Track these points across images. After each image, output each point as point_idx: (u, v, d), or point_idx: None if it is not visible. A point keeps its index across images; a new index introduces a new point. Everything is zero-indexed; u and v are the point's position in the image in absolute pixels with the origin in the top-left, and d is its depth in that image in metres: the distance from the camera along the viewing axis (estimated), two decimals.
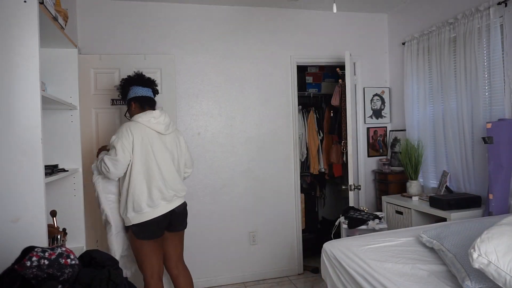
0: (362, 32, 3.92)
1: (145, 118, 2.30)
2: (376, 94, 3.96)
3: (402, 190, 3.46)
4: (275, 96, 3.68)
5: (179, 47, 3.42)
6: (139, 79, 2.43)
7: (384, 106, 3.99)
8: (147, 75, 3.17)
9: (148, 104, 2.41)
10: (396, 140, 3.86)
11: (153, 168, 2.29)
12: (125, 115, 2.50)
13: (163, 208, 2.33)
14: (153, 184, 2.28)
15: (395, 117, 3.96)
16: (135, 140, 2.25)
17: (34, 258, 1.00)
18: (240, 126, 3.59)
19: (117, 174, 2.27)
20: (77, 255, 2.13)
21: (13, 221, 1.48)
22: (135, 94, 2.39)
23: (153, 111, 2.35)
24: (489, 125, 2.53)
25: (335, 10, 2.54)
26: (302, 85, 4.46)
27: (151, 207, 2.28)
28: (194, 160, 2.91)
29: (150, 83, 2.46)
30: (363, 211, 3.09)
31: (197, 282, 3.28)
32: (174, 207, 2.38)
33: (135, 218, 2.29)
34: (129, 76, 2.47)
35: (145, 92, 2.40)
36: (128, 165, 2.26)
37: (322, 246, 2.18)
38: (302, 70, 4.45)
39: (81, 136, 2.37)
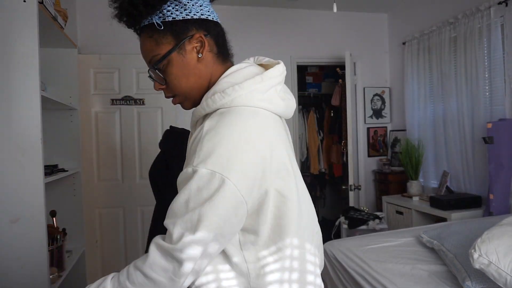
0: (362, 32, 3.91)
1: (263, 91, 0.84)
2: (376, 94, 3.96)
3: (402, 190, 3.45)
4: None
5: None
6: None
7: (384, 106, 3.99)
8: (147, 75, 3.18)
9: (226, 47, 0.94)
10: (396, 140, 3.85)
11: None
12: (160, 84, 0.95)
13: None
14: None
15: (395, 117, 3.96)
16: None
17: None
18: None
19: None
20: (77, 255, 2.13)
21: (13, 221, 1.48)
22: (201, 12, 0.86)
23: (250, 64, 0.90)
24: (489, 125, 2.53)
25: (335, 10, 2.54)
26: (302, 85, 4.46)
27: None
28: None
29: None
30: (363, 211, 3.09)
31: None
32: None
33: None
34: None
35: (213, 12, 0.91)
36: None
37: None
38: (302, 70, 4.45)
39: (81, 136, 2.37)
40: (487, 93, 2.74)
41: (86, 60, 2.99)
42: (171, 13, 0.81)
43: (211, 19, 0.86)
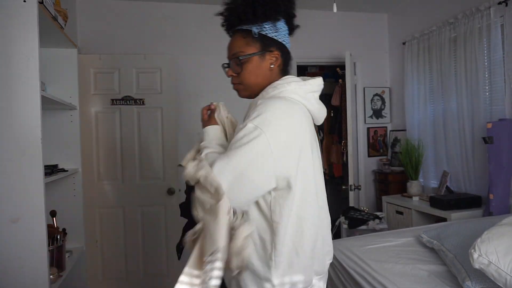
0: (362, 32, 3.91)
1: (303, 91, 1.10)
2: (376, 94, 3.96)
3: (402, 190, 3.46)
4: None
5: (179, 47, 3.41)
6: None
7: (384, 106, 3.99)
8: (147, 75, 3.20)
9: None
10: (396, 140, 3.85)
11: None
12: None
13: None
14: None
15: (395, 117, 3.96)
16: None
17: None
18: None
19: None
20: (77, 255, 2.12)
21: (13, 221, 1.48)
22: (283, 39, 1.16)
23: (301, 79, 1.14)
24: (489, 125, 2.53)
25: (335, 10, 2.54)
26: None
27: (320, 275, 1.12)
28: None
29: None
30: (363, 211, 3.09)
31: None
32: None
33: None
34: None
35: (289, 42, 1.21)
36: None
37: None
38: (302, 70, 4.45)
39: (81, 136, 2.37)
40: (487, 93, 2.74)
41: (86, 60, 2.99)
42: (266, 30, 1.10)
43: (287, 46, 1.17)
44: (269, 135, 0.94)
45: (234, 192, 0.93)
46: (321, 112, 1.15)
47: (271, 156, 0.95)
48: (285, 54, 1.16)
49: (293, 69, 3.68)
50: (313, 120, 1.14)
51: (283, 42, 1.14)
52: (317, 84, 1.13)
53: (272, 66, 1.12)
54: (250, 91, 1.14)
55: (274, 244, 0.98)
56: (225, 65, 1.18)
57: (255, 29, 1.09)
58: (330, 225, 1.18)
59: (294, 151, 0.99)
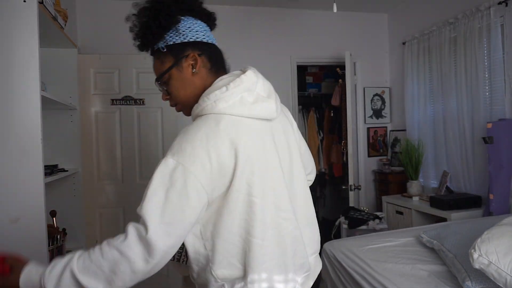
0: (362, 32, 3.91)
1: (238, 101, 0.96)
2: (376, 94, 3.96)
3: (402, 190, 3.46)
4: None
5: None
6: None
7: (384, 106, 3.99)
8: (147, 75, 3.19)
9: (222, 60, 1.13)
10: (396, 140, 3.85)
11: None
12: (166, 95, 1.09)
13: None
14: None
15: (395, 117, 3.96)
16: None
17: None
18: None
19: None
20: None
21: (13, 221, 1.48)
22: (196, 36, 1.05)
23: (236, 76, 1.02)
24: (489, 125, 2.53)
25: (335, 10, 2.54)
26: (302, 85, 4.46)
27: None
28: None
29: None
30: (363, 211, 3.09)
31: None
32: None
33: None
34: None
35: (209, 35, 1.11)
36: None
37: (322, 247, 2.18)
38: (302, 70, 4.45)
39: (81, 136, 2.37)
40: (487, 93, 2.74)
41: (86, 60, 2.99)
42: (171, 39, 1.01)
43: (206, 41, 1.05)
44: (196, 171, 0.85)
45: (174, 233, 0.86)
46: (262, 109, 0.98)
47: (203, 191, 0.87)
48: (206, 50, 1.04)
49: (293, 68, 3.68)
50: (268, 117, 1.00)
51: (197, 39, 1.03)
52: (241, 83, 0.97)
53: (194, 70, 1.01)
54: (190, 106, 1.02)
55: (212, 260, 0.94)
56: (160, 90, 1.08)
57: (161, 45, 1.01)
58: (309, 236, 1.13)
59: (229, 171, 0.89)
